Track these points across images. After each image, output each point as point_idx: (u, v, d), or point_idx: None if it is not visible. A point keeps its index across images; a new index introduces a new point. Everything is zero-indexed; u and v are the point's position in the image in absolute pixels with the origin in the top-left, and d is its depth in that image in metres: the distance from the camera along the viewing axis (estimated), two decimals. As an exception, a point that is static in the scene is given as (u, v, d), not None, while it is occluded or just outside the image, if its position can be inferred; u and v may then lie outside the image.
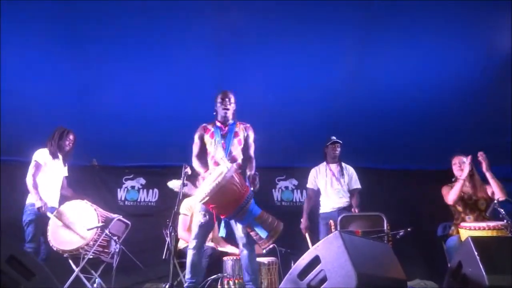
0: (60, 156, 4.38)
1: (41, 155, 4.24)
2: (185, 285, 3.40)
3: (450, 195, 4.09)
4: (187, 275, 3.41)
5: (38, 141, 4.38)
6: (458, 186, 4.07)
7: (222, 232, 3.47)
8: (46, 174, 4.23)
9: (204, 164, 3.63)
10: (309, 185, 4.98)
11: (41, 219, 4.09)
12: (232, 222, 3.43)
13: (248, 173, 3.50)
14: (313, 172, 4.99)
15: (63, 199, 4.32)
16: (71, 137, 4.39)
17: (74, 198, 4.28)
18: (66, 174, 4.48)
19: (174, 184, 4.30)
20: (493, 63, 4.82)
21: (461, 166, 4.22)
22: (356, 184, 4.86)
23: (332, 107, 5.35)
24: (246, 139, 3.73)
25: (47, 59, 4.66)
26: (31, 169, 4.17)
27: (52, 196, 4.28)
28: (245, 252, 3.42)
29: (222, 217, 3.37)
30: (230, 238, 3.74)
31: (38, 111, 5.01)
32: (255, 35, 4.65)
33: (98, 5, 4.18)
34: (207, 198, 3.10)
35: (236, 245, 4.32)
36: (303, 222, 4.80)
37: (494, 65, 4.83)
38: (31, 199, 4.16)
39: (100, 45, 4.61)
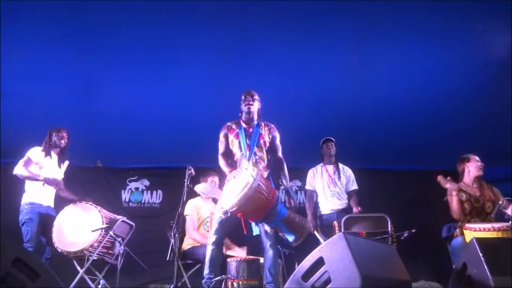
0: (54, 155, 4.38)
1: (34, 152, 4.26)
2: (203, 280, 3.40)
3: (453, 213, 3.99)
4: (206, 270, 3.41)
5: (40, 143, 4.39)
6: (454, 202, 3.94)
7: (256, 231, 3.44)
8: (40, 173, 4.22)
9: (229, 163, 3.61)
10: (307, 186, 4.97)
11: (39, 219, 4.11)
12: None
13: (284, 185, 3.57)
14: (310, 173, 4.98)
15: (62, 202, 4.32)
16: (63, 134, 4.39)
17: (74, 199, 4.28)
18: (62, 176, 4.42)
19: (200, 188, 4.34)
20: (494, 63, 4.81)
21: (480, 164, 4.16)
22: (353, 186, 4.84)
23: (336, 108, 5.34)
24: (272, 141, 3.72)
25: (50, 60, 4.67)
26: (20, 162, 4.18)
27: (47, 196, 4.28)
28: (270, 252, 3.42)
29: (250, 221, 3.39)
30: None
31: (41, 113, 5.04)
32: (256, 37, 4.66)
33: (103, 6, 4.20)
34: (235, 208, 3.11)
35: (244, 247, 4.35)
36: (310, 221, 4.78)
37: (494, 65, 4.81)
38: (27, 198, 4.19)
39: (104, 48, 4.63)
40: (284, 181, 3.67)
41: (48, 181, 4.21)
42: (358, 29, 4.56)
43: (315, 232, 4.66)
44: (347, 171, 4.91)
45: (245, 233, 3.48)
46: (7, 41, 4.30)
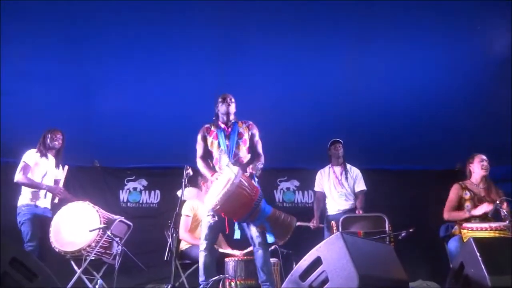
0: (51, 156, 4.37)
1: (30, 155, 4.24)
2: (200, 287, 3.39)
3: (449, 215, 4.05)
4: (201, 277, 3.40)
5: (37, 145, 4.37)
6: (462, 216, 3.99)
7: (237, 235, 3.42)
8: (37, 174, 4.22)
9: (209, 165, 3.61)
10: (316, 188, 5.01)
11: (36, 218, 4.12)
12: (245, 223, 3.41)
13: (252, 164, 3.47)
14: (318, 175, 5.01)
15: (61, 203, 4.31)
16: (58, 135, 4.37)
17: (73, 200, 4.27)
18: (60, 178, 4.43)
19: (185, 193, 4.32)
20: (494, 62, 4.81)
21: (487, 165, 4.16)
22: (361, 186, 4.85)
23: (334, 108, 5.34)
24: (251, 138, 3.71)
25: (48, 60, 4.66)
26: (19, 170, 4.17)
27: (44, 197, 4.27)
28: (260, 252, 3.39)
29: (234, 220, 3.36)
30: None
31: (39, 112, 5.03)
32: (256, 36, 4.65)
33: (101, 7, 4.19)
34: (218, 206, 3.09)
35: (239, 247, 4.34)
36: (315, 221, 4.80)
37: (494, 65, 4.82)
38: (23, 200, 4.19)
39: (102, 48, 4.62)
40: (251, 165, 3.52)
41: (50, 189, 4.22)
42: (358, 29, 4.56)
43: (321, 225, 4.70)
44: (354, 172, 4.92)
45: (227, 232, 3.45)
46: (7, 41, 4.28)
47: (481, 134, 5.37)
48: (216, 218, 3.38)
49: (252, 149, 3.71)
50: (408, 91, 5.18)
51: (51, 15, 4.24)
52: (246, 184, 3.19)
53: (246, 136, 3.68)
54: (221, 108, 3.68)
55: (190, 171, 3.47)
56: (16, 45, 4.41)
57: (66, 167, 4.48)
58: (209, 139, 3.67)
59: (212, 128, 3.70)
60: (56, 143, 4.35)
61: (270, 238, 3.32)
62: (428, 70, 4.99)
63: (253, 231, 3.40)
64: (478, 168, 4.18)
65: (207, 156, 3.68)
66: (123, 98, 5.18)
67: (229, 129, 3.67)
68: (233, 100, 3.72)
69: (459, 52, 4.76)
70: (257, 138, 3.75)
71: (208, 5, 4.25)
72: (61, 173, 4.44)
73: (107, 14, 4.31)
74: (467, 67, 4.89)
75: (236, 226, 3.43)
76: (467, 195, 4.10)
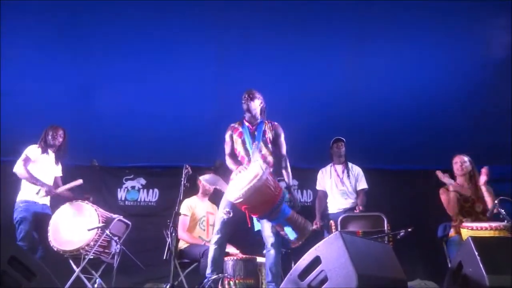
0: (51, 153, 4.36)
1: (32, 150, 4.24)
2: (205, 280, 3.39)
3: (449, 209, 4.06)
4: (208, 270, 3.42)
5: (37, 141, 4.36)
6: (451, 197, 4.02)
7: (258, 226, 3.42)
8: (37, 171, 4.21)
9: (237, 162, 3.63)
10: (318, 186, 5.00)
11: (34, 217, 4.09)
12: (261, 220, 3.41)
13: (285, 183, 3.56)
14: (320, 173, 5.01)
15: (60, 200, 4.31)
16: (59, 132, 4.36)
17: (71, 198, 4.27)
18: (60, 174, 4.44)
19: (205, 177, 4.46)
20: (493, 62, 4.82)
21: (462, 165, 4.18)
22: (362, 185, 4.85)
23: (334, 108, 5.34)
24: (275, 138, 3.74)
25: (48, 59, 4.67)
26: (20, 161, 4.15)
27: (37, 193, 4.23)
28: (272, 252, 3.41)
29: (254, 216, 3.36)
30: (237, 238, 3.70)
31: (39, 112, 5.02)
32: (258, 36, 4.66)
33: (101, 5, 4.19)
34: (242, 199, 3.09)
35: (241, 247, 4.34)
36: (318, 222, 4.80)
37: (494, 65, 4.83)
38: (22, 196, 4.17)
39: (101, 46, 4.63)
40: (286, 179, 3.68)
41: (43, 186, 4.16)
42: (358, 29, 4.56)
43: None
44: (355, 170, 4.93)
45: (249, 226, 3.41)
46: (7, 41, 4.29)
47: (481, 134, 5.37)
48: (231, 215, 3.37)
49: (276, 149, 3.74)
50: (408, 91, 5.18)
51: (51, 15, 4.24)
52: (272, 182, 3.20)
53: (269, 135, 3.71)
54: (243, 106, 3.72)
55: (189, 170, 3.47)
56: (16, 45, 4.41)
57: (80, 181, 4.38)
58: (234, 136, 3.71)
59: (237, 126, 3.73)
60: (57, 141, 4.35)
61: (292, 236, 3.29)
62: (428, 70, 4.99)
63: (268, 231, 3.41)
64: (455, 170, 4.24)
65: (235, 153, 3.71)
66: (122, 97, 5.18)
67: (254, 127, 3.70)
68: (254, 96, 3.72)
69: (459, 52, 4.76)
70: (282, 139, 3.78)
71: (208, 5, 4.26)
72: (60, 170, 4.43)
73: (107, 14, 4.32)
74: (466, 67, 4.90)
75: (255, 219, 3.42)
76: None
